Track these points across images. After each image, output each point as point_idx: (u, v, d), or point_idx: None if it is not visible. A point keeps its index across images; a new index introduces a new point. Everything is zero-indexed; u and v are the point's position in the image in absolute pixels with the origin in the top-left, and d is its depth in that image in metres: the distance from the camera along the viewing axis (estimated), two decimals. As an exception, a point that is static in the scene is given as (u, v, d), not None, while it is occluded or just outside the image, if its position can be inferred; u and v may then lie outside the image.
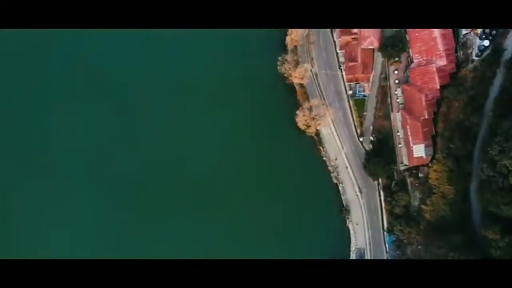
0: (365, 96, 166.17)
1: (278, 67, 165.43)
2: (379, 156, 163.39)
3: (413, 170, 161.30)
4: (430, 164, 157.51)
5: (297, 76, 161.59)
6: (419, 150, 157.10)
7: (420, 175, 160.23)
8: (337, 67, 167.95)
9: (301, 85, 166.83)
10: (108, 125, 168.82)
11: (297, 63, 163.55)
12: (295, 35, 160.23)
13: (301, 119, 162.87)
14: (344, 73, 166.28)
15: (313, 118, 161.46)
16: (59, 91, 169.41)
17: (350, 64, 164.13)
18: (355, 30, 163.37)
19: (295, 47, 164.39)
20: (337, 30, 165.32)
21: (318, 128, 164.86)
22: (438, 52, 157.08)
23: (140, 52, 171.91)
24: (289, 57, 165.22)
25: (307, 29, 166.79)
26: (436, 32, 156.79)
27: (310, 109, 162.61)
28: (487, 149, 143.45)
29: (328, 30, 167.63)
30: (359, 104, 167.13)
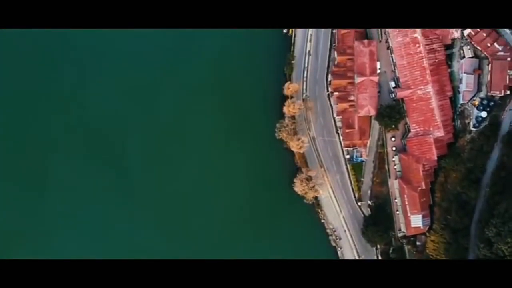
0: (363, 161, 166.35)
1: (276, 134, 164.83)
2: (377, 222, 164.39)
3: (411, 237, 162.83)
4: (427, 234, 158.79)
5: (295, 146, 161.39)
6: (417, 221, 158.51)
7: (418, 243, 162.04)
8: (335, 131, 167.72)
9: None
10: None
11: (295, 132, 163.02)
12: (292, 108, 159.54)
13: (299, 187, 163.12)
14: (341, 138, 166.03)
15: (311, 188, 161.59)
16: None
17: (348, 130, 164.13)
18: (351, 97, 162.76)
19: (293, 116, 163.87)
20: (334, 96, 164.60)
21: (316, 195, 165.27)
22: (435, 123, 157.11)
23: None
24: (286, 122, 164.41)
25: (304, 94, 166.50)
26: (434, 103, 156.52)
27: (308, 178, 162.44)
28: (484, 229, 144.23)
29: (326, 96, 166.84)
30: (357, 168, 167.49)
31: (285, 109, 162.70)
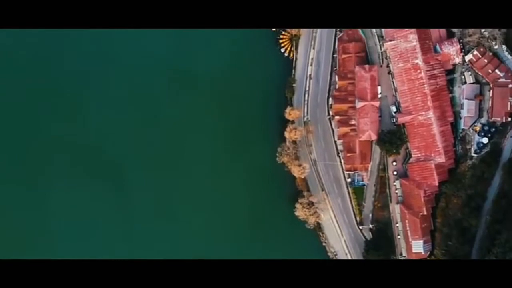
0: (364, 185, 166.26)
1: (277, 158, 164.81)
2: (378, 246, 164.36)
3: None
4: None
5: (296, 172, 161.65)
6: (418, 246, 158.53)
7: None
8: (336, 155, 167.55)
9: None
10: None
11: (296, 156, 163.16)
12: (293, 134, 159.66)
13: (300, 212, 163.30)
14: (343, 162, 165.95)
15: (312, 214, 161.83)
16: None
17: (349, 154, 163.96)
18: (353, 122, 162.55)
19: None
20: (335, 120, 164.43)
21: (317, 220, 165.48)
22: (436, 149, 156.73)
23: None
24: (288, 145, 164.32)
25: (305, 118, 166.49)
26: (435, 129, 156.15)
27: (310, 203, 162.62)
28: (485, 258, 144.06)
29: (327, 119, 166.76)
30: (358, 192, 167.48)
31: (286, 134, 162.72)
